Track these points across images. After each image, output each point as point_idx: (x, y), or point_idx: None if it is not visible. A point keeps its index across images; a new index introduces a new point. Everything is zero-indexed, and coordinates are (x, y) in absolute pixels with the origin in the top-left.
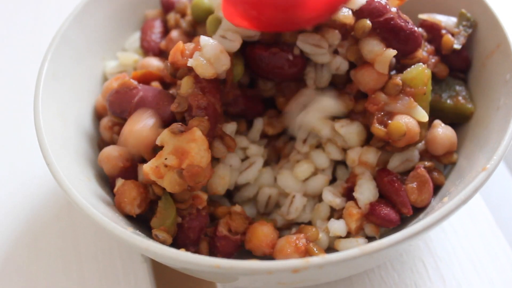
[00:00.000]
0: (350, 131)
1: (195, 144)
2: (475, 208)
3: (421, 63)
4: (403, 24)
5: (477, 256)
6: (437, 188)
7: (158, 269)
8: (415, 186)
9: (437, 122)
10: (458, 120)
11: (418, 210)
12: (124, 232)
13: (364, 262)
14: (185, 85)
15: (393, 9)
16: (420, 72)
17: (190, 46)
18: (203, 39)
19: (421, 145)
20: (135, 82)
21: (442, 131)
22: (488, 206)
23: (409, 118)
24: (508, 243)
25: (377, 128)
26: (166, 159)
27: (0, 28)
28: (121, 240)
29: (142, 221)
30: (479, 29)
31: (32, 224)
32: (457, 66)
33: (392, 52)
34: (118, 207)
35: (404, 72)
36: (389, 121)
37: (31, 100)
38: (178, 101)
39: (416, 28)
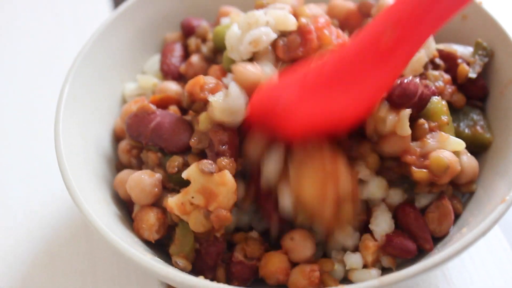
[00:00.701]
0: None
1: (224, 188)
2: (492, 236)
3: (435, 96)
4: (429, 93)
5: (494, 285)
6: (455, 216)
7: None
8: (436, 216)
9: (463, 150)
10: (476, 149)
11: (435, 240)
12: (143, 258)
13: None
14: (204, 121)
15: (417, 80)
16: (437, 104)
17: (210, 81)
18: (233, 87)
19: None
20: (153, 107)
21: (467, 160)
22: (505, 235)
23: (444, 151)
24: None
25: (420, 172)
26: (193, 197)
27: (23, 50)
28: (140, 267)
29: (159, 246)
30: (498, 57)
31: (50, 245)
32: (474, 95)
33: (408, 111)
34: (137, 233)
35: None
36: (427, 161)
37: (51, 121)
38: (198, 137)
39: (434, 88)
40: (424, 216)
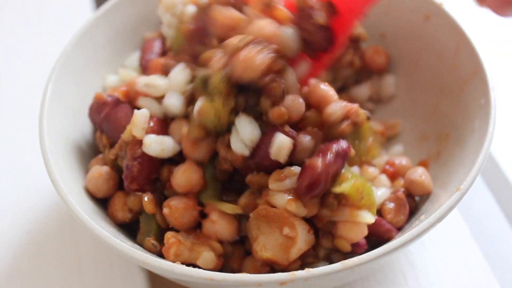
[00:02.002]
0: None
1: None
2: (453, 223)
3: (352, 181)
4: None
5: (455, 267)
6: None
7: (155, 279)
8: (392, 207)
9: (418, 169)
10: None
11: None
12: (124, 246)
13: (347, 275)
14: (128, 132)
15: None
16: (352, 187)
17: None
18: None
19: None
20: (108, 98)
21: (424, 176)
22: (466, 221)
23: (350, 230)
24: (483, 255)
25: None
26: None
27: (6, 49)
28: (122, 254)
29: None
30: (458, 55)
31: (35, 235)
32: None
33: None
34: (111, 216)
35: (335, 186)
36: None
37: (36, 117)
38: (120, 145)
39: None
40: (380, 209)
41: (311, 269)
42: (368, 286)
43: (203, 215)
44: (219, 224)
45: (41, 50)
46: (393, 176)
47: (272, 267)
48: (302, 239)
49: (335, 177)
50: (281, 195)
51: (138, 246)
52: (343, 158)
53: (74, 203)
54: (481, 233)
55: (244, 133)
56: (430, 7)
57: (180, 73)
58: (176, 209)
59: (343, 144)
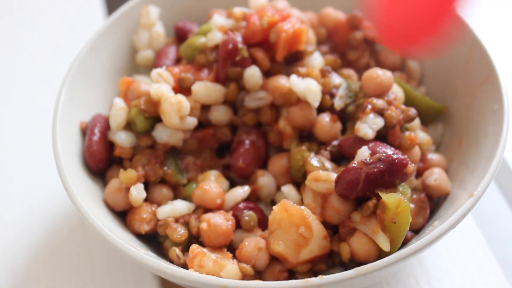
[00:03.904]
0: None
1: None
2: (466, 228)
3: (400, 197)
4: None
5: (468, 273)
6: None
7: (167, 285)
8: (413, 207)
9: (434, 170)
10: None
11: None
12: (137, 253)
13: (360, 281)
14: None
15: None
16: (395, 201)
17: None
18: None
19: (416, 183)
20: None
21: (439, 180)
22: (479, 226)
23: (361, 244)
24: (497, 261)
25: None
26: None
27: (20, 57)
28: (134, 261)
29: (153, 241)
30: (471, 60)
31: (48, 241)
32: None
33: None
34: (129, 225)
35: (382, 195)
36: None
37: (50, 124)
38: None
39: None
40: None
41: (324, 276)
42: None
43: None
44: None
45: (54, 57)
46: (422, 171)
47: (289, 274)
48: (316, 242)
49: (382, 184)
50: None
51: (151, 254)
52: (395, 168)
53: (86, 209)
54: (494, 238)
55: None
56: None
57: None
58: (215, 227)
59: (398, 155)
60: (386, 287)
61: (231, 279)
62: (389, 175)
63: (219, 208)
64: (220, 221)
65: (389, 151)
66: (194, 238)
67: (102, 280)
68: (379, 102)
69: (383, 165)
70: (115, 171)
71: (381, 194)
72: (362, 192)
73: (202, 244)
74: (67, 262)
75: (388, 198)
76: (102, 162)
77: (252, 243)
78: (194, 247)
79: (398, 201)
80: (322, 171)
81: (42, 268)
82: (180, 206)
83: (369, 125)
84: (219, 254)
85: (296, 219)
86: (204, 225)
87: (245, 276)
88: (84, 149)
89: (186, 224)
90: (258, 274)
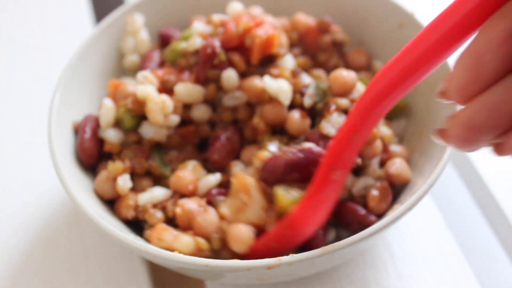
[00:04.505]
0: None
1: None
2: (428, 212)
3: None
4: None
5: (430, 254)
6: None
7: (155, 271)
8: (376, 194)
9: (395, 160)
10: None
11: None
12: (126, 237)
13: (327, 260)
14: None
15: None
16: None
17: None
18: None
19: (380, 172)
20: None
21: (400, 169)
22: (441, 211)
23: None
24: (458, 244)
25: None
26: None
27: (13, 64)
28: (125, 245)
29: (139, 227)
30: None
31: (44, 232)
32: None
33: None
34: (117, 212)
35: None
36: None
37: (44, 124)
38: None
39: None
40: (366, 195)
41: (294, 255)
42: (351, 272)
43: None
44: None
45: (47, 63)
46: (385, 161)
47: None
48: (254, 210)
49: (299, 172)
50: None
51: (140, 239)
52: (312, 158)
53: (80, 200)
54: (455, 223)
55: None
56: (403, 16)
57: None
58: (188, 212)
59: (318, 149)
60: (355, 268)
61: (212, 259)
62: (305, 165)
63: (192, 193)
64: (193, 206)
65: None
66: (171, 222)
67: (94, 267)
68: (343, 102)
69: (302, 154)
70: (105, 165)
71: (276, 187)
72: (281, 179)
73: (177, 227)
74: (61, 251)
75: (279, 191)
76: (93, 157)
77: (207, 217)
78: (159, 225)
79: (282, 196)
80: (267, 153)
81: (38, 258)
82: (158, 193)
83: (332, 124)
84: (182, 232)
85: (240, 185)
86: (178, 210)
87: (199, 250)
88: (77, 147)
89: (164, 209)
90: (214, 253)
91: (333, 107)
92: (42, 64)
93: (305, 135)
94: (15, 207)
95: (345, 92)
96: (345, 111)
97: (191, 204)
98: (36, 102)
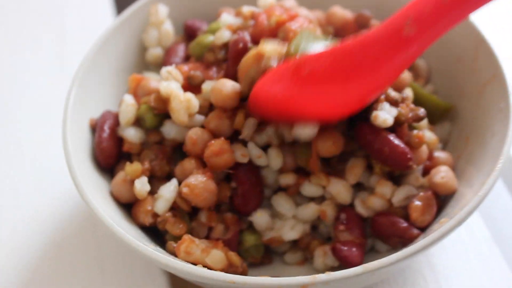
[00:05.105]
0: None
1: None
2: (473, 225)
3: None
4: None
5: (475, 271)
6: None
7: (176, 282)
8: (420, 204)
9: (441, 168)
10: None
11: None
12: (146, 249)
13: (367, 278)
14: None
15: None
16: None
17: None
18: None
19: (423, 180)
20: None
21: (446, 177)
22: (486, 224)
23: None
24: (504, 258)
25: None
26: None
27: (29, 56)
28: (144, 256)
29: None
30: (478, 59)
31: (57, 238)
32: None
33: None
34: (134, 217)
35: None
36: None
37: (59, 121)
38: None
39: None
40: (407, 205)
41: (331, 273)
42: None
43: None
44: None
45: (64, 56)
46: (429, 169)
47: None
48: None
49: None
50: None
51: (160, 249)
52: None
53: (96, 206)
54: (502, 236)
55: None
56: None
57: None
58: (195, 186)
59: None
60: (394, 285)
61: (240, 276)
62: None
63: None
64: (198, 177)
65: None
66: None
67: (110, 276)
68: (394, 93)
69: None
70: (123, 166)
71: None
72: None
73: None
74: (76, 259)
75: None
76: (111, 157)
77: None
78: (186, 236)
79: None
80: None
81: (52, 265)
82: (168, 191)
83: (387, 112)
84: (211, 244)
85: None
86: (185, 190)
87: (231, 266)
88: (94, 146)
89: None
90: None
91: (382, 97)
92: (59, 58)
93: None
94: (27, 211)
95: (396, 89)
96: (395, 105)
97: (193, 179)
98: (52, 99)
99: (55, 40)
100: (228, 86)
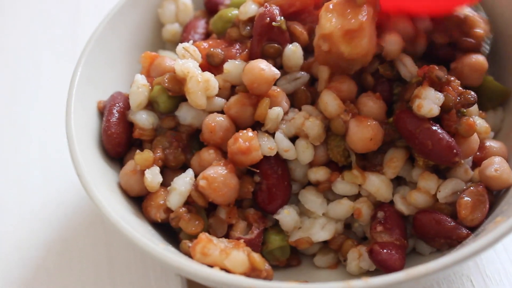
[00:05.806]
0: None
1: None
2: None
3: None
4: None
5: None
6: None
7: (192, 282)
8: (469, 201)
9: (494, 159)
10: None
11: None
12: (156, 249)
13: (409, 286)
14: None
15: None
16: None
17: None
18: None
19: (473, 174)
20: None
21: (500, 170)
22: None
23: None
24: None
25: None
26: None
27: (36, 34)
28: (154, 258)
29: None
30: None
31: (64, 233)
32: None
33: None
34: (145, 211)
35: None
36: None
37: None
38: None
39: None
40: (455, 202)
41: (369, 279)
42: None
43: None
44: None
45: (76, 33)
46: (480, 161)
47: None
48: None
49: None
50: None
51: (172, 249)
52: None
53: (100, 198)
54: None
55: None
56: None
57: None
58: (214, 178)
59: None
60: None
61: (260, 281)
62: None
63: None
64: (218, 170)
65: None
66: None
67: (120, 274)
68: (439, 73)
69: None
70: (133, 154)
71: None
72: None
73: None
74: (84, 254)
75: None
76: (120, 146)
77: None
78: (202, 235)
79: None
80: None
81: (58, 261)
82: (183, 184)
83: (432, 101)
84: (231, 244)
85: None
86: (202, 183)
87: (253, 270)
88: (101, 132)
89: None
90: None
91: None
92: (66, 35)
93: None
94: (33, 205)
95: None
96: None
97: (212, 171)
98: (60, 81)
99: (69, 21)
100: (266, 68)
